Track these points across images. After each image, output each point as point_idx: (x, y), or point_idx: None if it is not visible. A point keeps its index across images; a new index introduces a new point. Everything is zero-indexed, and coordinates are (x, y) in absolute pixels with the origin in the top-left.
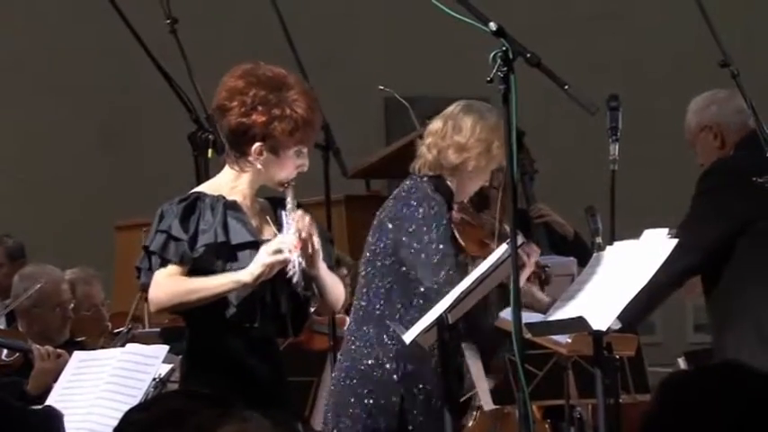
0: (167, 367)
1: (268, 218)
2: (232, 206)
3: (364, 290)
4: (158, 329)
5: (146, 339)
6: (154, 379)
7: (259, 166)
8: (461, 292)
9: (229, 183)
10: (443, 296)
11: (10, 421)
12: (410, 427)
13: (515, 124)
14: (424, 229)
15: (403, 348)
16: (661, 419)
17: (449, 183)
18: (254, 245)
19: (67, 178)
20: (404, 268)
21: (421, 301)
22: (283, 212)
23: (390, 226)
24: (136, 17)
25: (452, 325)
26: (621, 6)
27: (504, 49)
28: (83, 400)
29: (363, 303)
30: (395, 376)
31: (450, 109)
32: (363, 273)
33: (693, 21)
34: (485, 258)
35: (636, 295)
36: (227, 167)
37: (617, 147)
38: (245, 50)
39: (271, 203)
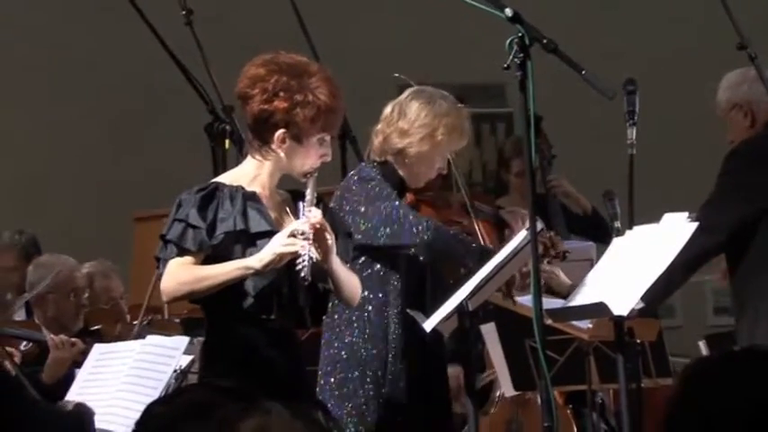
0: (188, 358)
1: (288, 209)
2: (251, 197)
3: None
4: (178, 320)
5: (166, 327)
6: (175, 371)
7: (282, 155)
8: (481, 279)
9: (251, 173)
10: (436, 241)
11: (44, 424)
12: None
13: (533, 110)
14: (371, 204)
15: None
16: (684, 406)
17: (396, 168)
18: (273, 234)
19: (82, 172)
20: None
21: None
22: (301, 204)
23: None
24: (151, 10)
25: (473, 312)
26: None
27: (520, 35)
28: (104, 392)
29: None
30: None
31: (402, 94)
32: None
33: (711, 3)
34: None
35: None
36: (248, 158)
37: (635, 131)
38: (259, 41)
39: (292, 196)
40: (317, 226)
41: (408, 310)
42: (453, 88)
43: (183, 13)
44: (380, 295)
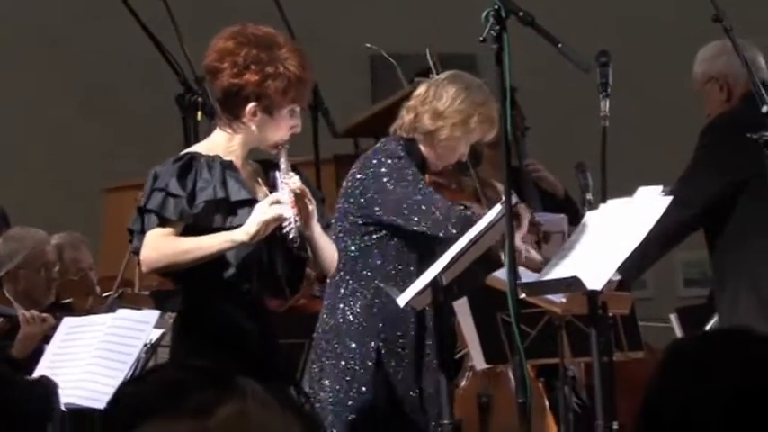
0: (158, 332)
1: (260, 179)
2: (229, 166)
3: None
4: (148, 292)
5: (136, 300)
6: (145, 344)
7: (253, 128)
8: (455, 254)
9: (223, 144)
10: (448, 222)
11: (10, 393)
12: (388, 374)
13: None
14: (395, 179)
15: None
16: (663, 389)
17: (421, 147)
18: (253, 203)
19: (50, 143)
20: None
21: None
22: (277, 173)
23: (356, 188)
24: None
25: (447, 286)
26: None
27: (496, 7)
28: (74, 366)
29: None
30: (369, 328)
31: (439, 76)
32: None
33: None
34: None
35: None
36: (217, 130)
37: (607, 103)
38: (231, 13)
39: (262, 166)
40: (298, 191)
41: (382, 285)
42: (424, 59)
43: None
44: (398, 266)
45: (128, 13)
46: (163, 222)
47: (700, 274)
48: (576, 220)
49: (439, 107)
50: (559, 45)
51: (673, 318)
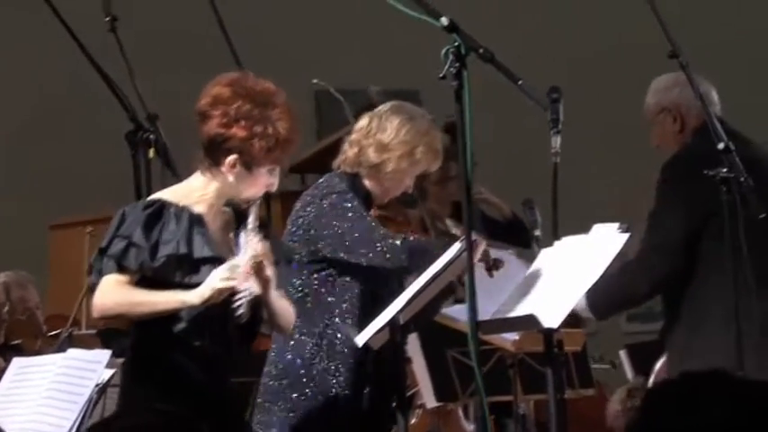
0: (109, 372)
1: (231, 235)
2: (197, 220)
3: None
4: (95, 330)
5: (86, 341)
6: (97, 384)
7: (231, 179)
8: (414, 292)
9: (198, 190)
10: (394, 253)
11: None
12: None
13: (470, 120)
14: (337, 214)
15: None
16: (650, 426)
17: (365, 182)
18: (216, 261)
19: None
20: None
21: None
22: (242, 234)
23: (300, 225)
24: (75, 16)
25: (404, 325)
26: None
27: (456, 44)
28: (24, 407)
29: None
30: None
31: (381, 107)
32: None
33: (635, 12)
34: None
35: (613, 295)
36: (197, 173)
37: (558, 139)
38: (181, 45)
39: (236, 216)
40: (258, 260)
41: (340, 325)
42: (368, 94)
43: (107, 19)
44: (347, 304)
45: (75, 48)
46: (121, 270)
47: (644, 308)
48: (525, 239)
49: (384, 139)
50: (519, 82)
51: (622, 354)
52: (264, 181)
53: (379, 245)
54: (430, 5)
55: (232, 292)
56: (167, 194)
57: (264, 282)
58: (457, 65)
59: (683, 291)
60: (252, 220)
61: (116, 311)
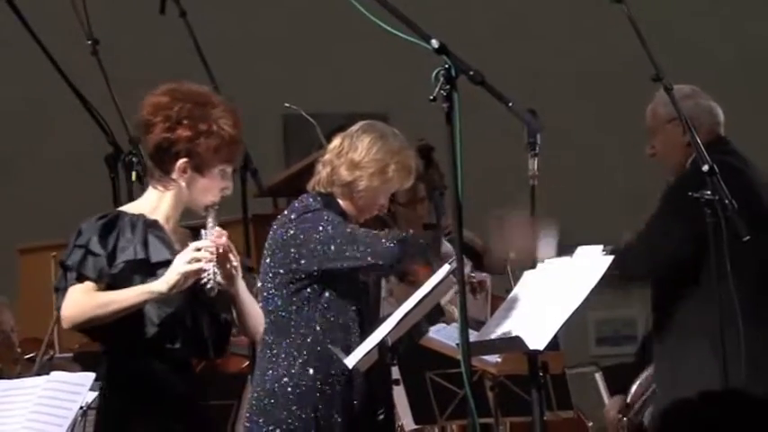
0: (93, 395)
1: (189, 244)
2: (153, 225)
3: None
4: (71, 354)
5: (65, 365)
6: (81, 407)
7: (183, 184)
8: (403, 315)
9: (152, 203)
10: (383, 245)
11: None
12: None
13: (459, 143)
14: (316, 229)
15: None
16: None
17: (340, 202)
18: None
19: None
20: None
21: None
22: (203, 231)
23: (280, 247)
24: (55, 39)
25: (393, 346)
26: (527, 19)
27: (446, 66)
28: (8, 430)
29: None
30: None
31: (353, 127)
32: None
33: (602, 33)
34: None
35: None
36: (150, 189)
37: (536, 162)
38: (154, 70)
39: (192, 233)
40: (220, 244)
41: (330, 347)
42: (338, 117)
43: (89, 42)
44: (333, 320)
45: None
46: (81, 279)
47: (612, 331)
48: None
49: (355, 158)
50: (510, 104)
51: (598, 378)
52: (218, 184)
53: (365, 241)
54: (420, 28)
55: (197, 281)
56: (122, 208)
57: (229, 271)
58: (447, 87)
59: (670, 312)
60: (211, 221)
61: (84, 317)
